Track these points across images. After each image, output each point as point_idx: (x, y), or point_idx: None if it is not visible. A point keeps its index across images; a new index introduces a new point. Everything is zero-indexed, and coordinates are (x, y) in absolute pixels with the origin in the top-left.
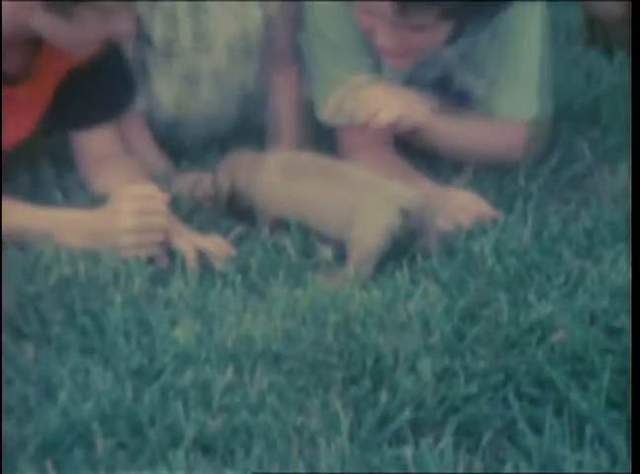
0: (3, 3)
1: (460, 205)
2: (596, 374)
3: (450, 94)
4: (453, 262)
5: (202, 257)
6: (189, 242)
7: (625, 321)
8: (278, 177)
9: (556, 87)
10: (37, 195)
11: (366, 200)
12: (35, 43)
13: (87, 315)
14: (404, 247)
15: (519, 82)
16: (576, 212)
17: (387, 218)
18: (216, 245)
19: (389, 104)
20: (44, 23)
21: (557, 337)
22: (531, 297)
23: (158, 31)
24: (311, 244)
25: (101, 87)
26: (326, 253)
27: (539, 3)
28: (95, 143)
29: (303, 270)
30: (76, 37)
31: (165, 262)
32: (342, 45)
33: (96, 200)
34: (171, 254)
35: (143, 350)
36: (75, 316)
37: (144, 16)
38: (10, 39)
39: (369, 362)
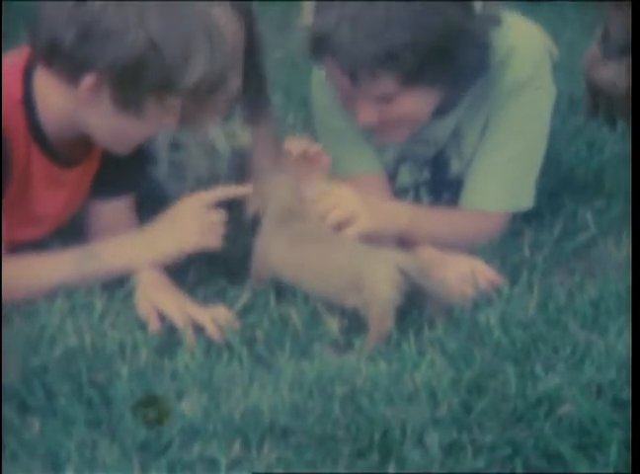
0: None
1: (464, 272)
2: (603, 447)
3: (445, 179)
4: (459, 333)
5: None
6: (187, 317)
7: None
8: (278, 242)
9: (559, 156)
10: None
11: (366, 265)
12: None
13: (93, 387)
14: (408, 313)
15: (495, 176)
16: (581, 283)
17: (391, 275)
18: (221, 316)
19: (343, 204)
20: (108, 120)
21: (564, 410)
22: (538, 369)
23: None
24: (317, 315)
25: (124, 164)
26: (332, 324)
27: (534, 97)
28: (109, 214)
29: (310, 341)
30: (134, 133)
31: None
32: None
33: None
34: (174, 327)
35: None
36: (81, 388)
37: None
38: (66, 131)
39: (377, 436)
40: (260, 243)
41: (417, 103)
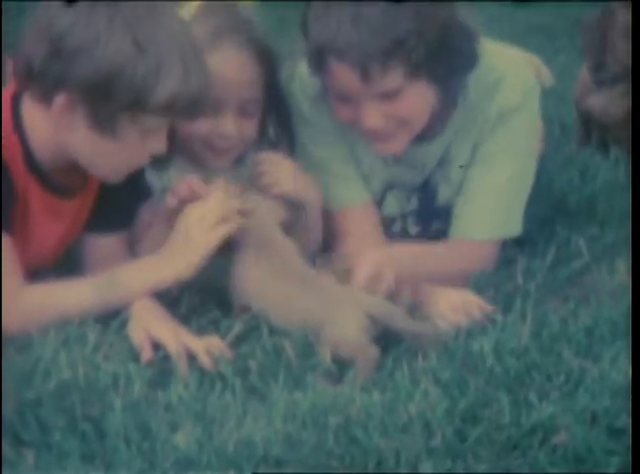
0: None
1: (454, 303)
2: None
3: (434, 208)
4: (453, 362)
5: (196, 360)
6: (181, 345)
7: (627, 421)
8: (253, 272)
9: (551, 183)
10: None
11: (333, 307)
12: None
13: (87, 421)
14: (401, 343)
15: (484, 203)
16: (575, 310)
17: (357, 319)
18: (214, 346)
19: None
20: (86, 142)
21: (559, 438)
22: (532, 398)
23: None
24: (310, 345)
25: (120, 199)
26: (325, 355)
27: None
28: (104, 247)
29: (303, 372)
30: (116, 157)
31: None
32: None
33: None
34: (167, 357)
35: (144, 455)
36: (75, 422)
37: None
38: (58, 159)
39: (371, 466)
40: (236, 271)
41: (419, 99)
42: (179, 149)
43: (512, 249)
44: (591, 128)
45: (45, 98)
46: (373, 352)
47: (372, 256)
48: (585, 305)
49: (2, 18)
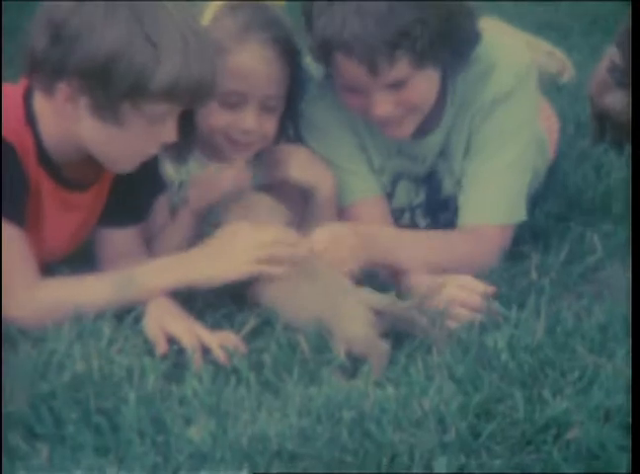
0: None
1: (454, 295)
2: (611, 472)
3: (440, 200)
4: (467, 357)
5: (211, 354)
6: (196, 339)
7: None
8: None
9: (566, 180)
10: None
11: (339, 304)
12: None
13: (101, 414)
14: (415, 337)
15: (484, 189)
16: (589, 307)
17: (363, 316)
18: (228, 341)
19: (337, 242)
20: (92, 132)
21: (572, 434)
22: (546, 394)
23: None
24: (325, 340)
25: (135, 191)
26: (339, 350)
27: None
28: (119, 241)
29: (317, 366)
30: (123, 145)
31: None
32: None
33: None
34: (181, 351)
35: (158, 449)
36: (89, 415)
37: None
38: (69, 151)
39: (385, 461)
40: None
41: (426, 84)
42: (198, 142)
43: (526, 245)
44: (606, 125)
45: (50, 88)
46: (384, 347)
47: (332, 228)
48: (599, 302)
49: (2, 18)
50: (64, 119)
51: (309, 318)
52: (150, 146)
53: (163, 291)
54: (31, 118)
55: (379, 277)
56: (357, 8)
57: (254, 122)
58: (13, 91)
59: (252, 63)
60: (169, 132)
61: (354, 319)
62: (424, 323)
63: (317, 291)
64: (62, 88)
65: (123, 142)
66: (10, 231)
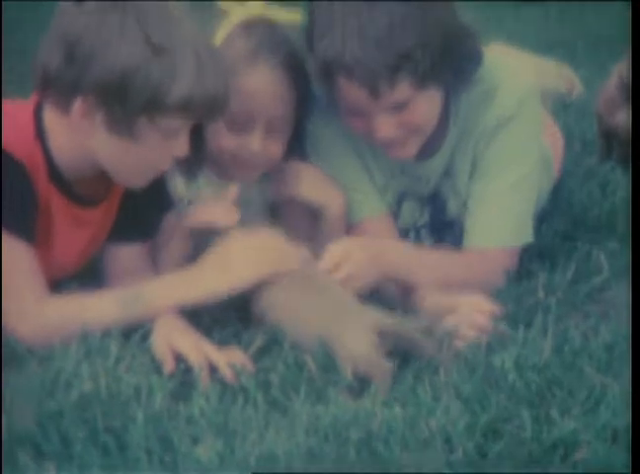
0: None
1: (462, 316)
2: None
3: (445, 221)
4: (474, 377)
5: (218, 372)
6: (203, 357)
7: None
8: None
9: (572, 198)
10: None
11: (343, 323)
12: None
13: (109, 433)
14: (422, 358)
15: (488, 212)
16: (596, 326)
17: (365, 336)
18: (236, 359)
19: (350, 258)
20: (107, 147)
21: (580, 454)
22: (554, 413)
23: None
24: (332, 359)
25: (143, 209)
26: (346, 369)
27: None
28: (127, 257)
29: (325, 385)
30: (138, 160)
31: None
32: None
33: None
34: (189, 369)
35: (165, 467)
36: (97, 434)
37: None
38: (81, 167)
39: None
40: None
41: (428, 106)
42: (207, 160)
43: (532, 263)
44: (612, 143)
45: (64, 104)
46: (386, 366)
47: (345, 243)
48: (606, 321)
49: (2, 18)
50: (78, 135)
51: (312, 335)
52: (163, 161)
53: (170, 309)
54: (41, 135)
55: (386, 295)
56: (357, 31)
57: (259, 145)
58: (23, 108)
59: (260, 85)
60: (181, 147)
61: (356, 338)
62: (428, 346)
63: (321, 309)
64: (78, 104)
65: (138, 157)
66: (19, 248)
